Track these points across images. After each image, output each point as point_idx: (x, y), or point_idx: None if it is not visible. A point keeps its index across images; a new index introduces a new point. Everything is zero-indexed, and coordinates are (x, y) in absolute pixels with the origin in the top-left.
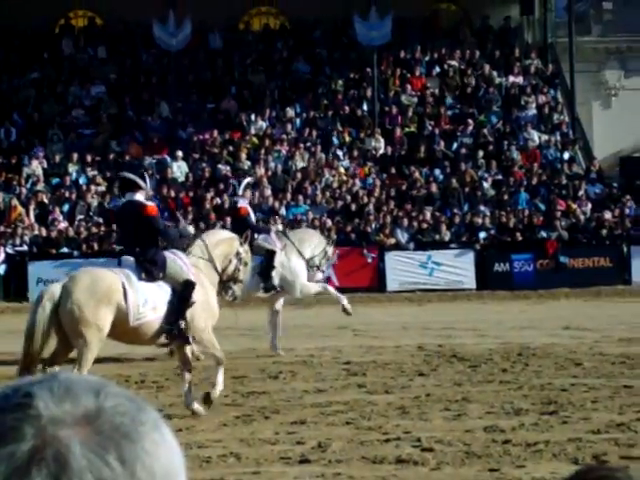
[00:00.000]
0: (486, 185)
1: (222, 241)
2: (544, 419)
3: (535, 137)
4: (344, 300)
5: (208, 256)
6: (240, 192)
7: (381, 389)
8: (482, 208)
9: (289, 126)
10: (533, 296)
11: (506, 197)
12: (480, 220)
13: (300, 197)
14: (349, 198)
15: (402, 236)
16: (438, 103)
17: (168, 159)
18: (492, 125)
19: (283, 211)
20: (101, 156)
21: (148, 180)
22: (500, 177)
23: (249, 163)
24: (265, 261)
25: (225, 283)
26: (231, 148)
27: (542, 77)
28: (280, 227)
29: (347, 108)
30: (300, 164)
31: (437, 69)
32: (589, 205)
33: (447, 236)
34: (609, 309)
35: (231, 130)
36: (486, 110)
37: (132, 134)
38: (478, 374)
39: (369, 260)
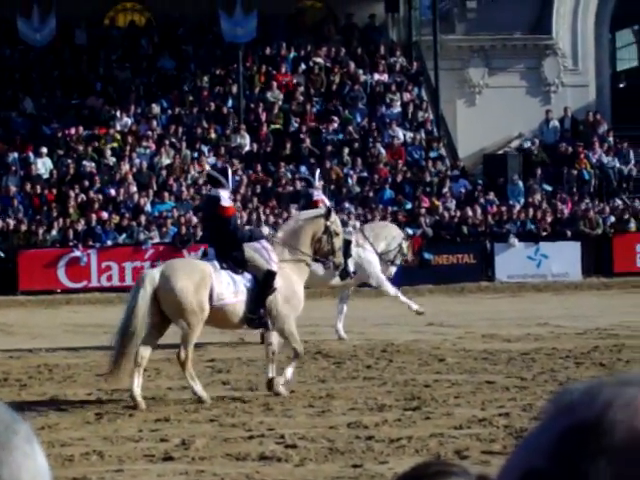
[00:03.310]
0: (351, 182)
1: (306, 223)
2: (407, 415)
3: (400, 134)
4: (414, 305)
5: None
6: (317, 184)
7: (245, 386)
8: (347, 205)
9: (154, 122)
10: None
11: (371, 194)
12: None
13: (165, 194)
14: None
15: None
16: (304, 100)
17: (32, 155)
18: (357, 122)
19: (148, 207)
20: None
21: (230, 178)
22: (365, 174)
23: (114, 159)
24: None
25: (324, 261)
26: (96, 144)
27: (407, 75)
28: (357, 224)
29: (212, 105)
30: (165, 161)
31: (303, 66)
32: (453, 202)
33: None
34: (472, 305)
35: (96, 126)
36: (351, 107)
37: None
38: (342, 370)
39: None
